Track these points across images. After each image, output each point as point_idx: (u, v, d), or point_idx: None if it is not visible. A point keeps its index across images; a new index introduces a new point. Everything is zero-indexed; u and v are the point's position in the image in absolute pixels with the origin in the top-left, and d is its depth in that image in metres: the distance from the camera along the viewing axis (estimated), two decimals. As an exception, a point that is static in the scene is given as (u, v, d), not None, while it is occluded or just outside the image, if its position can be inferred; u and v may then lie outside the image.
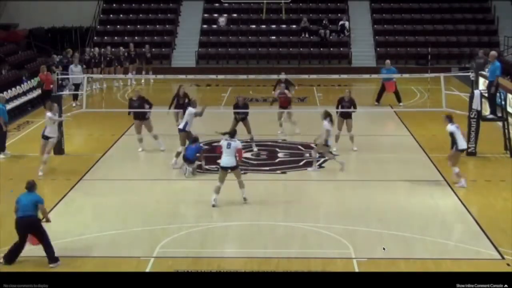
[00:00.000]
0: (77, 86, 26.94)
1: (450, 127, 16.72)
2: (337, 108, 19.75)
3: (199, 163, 17.83)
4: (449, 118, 16.93)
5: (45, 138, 18.04)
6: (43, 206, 12.64)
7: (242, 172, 17.91)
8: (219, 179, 15.40)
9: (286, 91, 21.76)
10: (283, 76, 23.93)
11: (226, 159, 15.34)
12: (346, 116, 19.69)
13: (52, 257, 12.34)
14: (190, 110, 18.42)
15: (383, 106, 26.06)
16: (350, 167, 18.58)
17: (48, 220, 12.89)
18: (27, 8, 38.44)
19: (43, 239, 12.41)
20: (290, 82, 24.17)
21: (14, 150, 20.06)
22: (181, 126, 18.52)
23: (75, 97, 26.31)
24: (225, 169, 15.35)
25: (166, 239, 13.46)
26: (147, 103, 20.01)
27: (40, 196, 12.79)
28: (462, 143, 16.63)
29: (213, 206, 15.20)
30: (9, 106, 22.70)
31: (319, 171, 17.94)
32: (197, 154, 17.64)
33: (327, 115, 17.71)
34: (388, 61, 26.98)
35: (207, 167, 17.89)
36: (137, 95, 20.17)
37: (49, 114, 18.21)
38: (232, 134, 15.76)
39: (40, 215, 12.66)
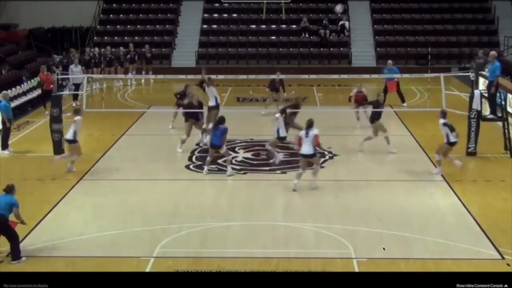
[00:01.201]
0: (77, 86, 26.95)
1: (441, 121, 17.63)
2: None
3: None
4: (442, 113, 17.80)
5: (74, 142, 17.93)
6: (17, 210, 12.66)
7: (242, 172, 17.97)
8: (300, 167, 16.44)
9: (363, 89, 22.41)
10: (280, 76, 23.98)
11: (306, 148, 16.28)
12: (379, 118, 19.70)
13: (15, 256, 12.40)
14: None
15: (384, 106, 26.04)
16: (350, 167, 18.57)
17: (23, 223, 12.83)
18: (27, 8, 38.44)
19: (11, 238, 12.46)
20: (283, 83, 24.27)
21: (14, 150, 20.07)
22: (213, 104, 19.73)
23: (75, 97, 26.31)
24: (305, 156, 16.30)
25: (166, 239, 13.46)
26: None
27: (17, 200, 12.72)
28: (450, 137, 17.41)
29: (294, 190, 16.20)
30: (9, 106, 22.70)
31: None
32: (223, 139, 17.57)
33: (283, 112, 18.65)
34: (390, 61, 26.92)
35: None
36: (197, 100, 20.14)
37: (79, 117, 18.09)
38: (310, 124, 16.39)
39: (14, 218, 12.69)
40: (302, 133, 16.41)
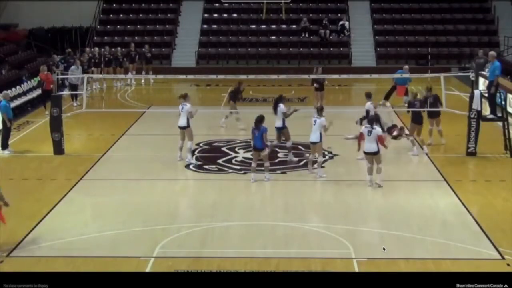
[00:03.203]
0: (74, 87, 26.84)
1: (368, 105, 18.72)
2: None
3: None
4: (368, 95, 19.13)
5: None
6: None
7: (242, 172, 17.96)
8: (367, 161, 16.54)
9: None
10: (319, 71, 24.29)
11: (368, 145, 16.33)
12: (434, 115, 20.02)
13: None
14: (282, 108, 18.58)
15: (383, 106, 26.02)
16: (350, 167, 18.54)
17: (6, 204, 12.96)
18: (27, 8, 38.45)
19: None
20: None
21: (14, 150, 20.07)
22: (279, 125, 18.57)
23: (73, 97, 26.32)
24: (368, 154, 16.38)
25: (166, 239, 13.46)
26: None
27: None
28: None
29: (369, 186, 16.42)
30: (9, 106, 22.70)
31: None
32: (264, 140, 16.86)
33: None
34: (406, 66, 26.68)
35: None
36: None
37: (188, 106, 18.33)
38: (371, 120, 16.48)
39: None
40: (365, 130, 16.38)
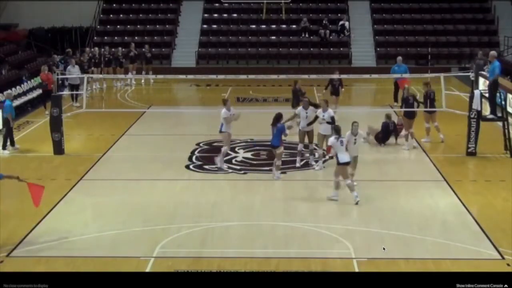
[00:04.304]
0: (74, 87, 26.81)
1: (332, 112, 18.20)
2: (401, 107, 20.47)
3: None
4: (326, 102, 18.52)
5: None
6: None
7: (242, 172, 17.96)
8: (343, 177, 15.51)
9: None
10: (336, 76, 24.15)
11: (343, 156, 15.46)
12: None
13: None
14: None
15: (383, 106, 26.05)
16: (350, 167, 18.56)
17: (19, 179, 13.53)
18: (27, 8, 38.45)
19: None
20: (342, 83, 24.43)
21: (19, 147, 20.12)
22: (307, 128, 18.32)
23: (73, 97, 26.31)
24: (345, 164, 15.48)
25: (166, 239, 13.46)
26: None
27: None
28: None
29: (335, 200, 15.45)
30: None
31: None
32: (283, 136, 17.05)
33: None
34: (400, 58, 26.80)
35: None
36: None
37: (222, 112, 18.22)
38: (338, 130, 15.72)
39: None
40: (334, 141, 15.50)
